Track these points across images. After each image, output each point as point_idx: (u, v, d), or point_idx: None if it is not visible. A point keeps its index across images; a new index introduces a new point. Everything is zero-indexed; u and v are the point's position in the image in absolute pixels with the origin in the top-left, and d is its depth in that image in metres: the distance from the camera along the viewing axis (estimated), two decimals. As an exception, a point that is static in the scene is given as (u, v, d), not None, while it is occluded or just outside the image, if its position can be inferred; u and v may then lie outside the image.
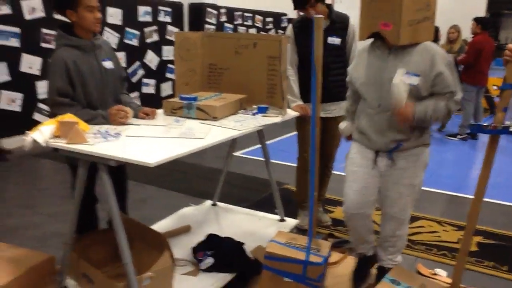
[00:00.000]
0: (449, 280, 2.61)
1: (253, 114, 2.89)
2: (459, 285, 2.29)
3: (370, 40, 2.39)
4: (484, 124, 2.03)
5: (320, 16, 2.23)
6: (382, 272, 2.53)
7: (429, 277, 2.75)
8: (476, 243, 3.32)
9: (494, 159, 2.07)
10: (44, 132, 2.16)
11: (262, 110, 2.93)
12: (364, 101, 2.43)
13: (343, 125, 2.61)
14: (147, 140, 2.22)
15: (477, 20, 6.70)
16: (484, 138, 7.02)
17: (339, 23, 3.12)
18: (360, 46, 2.51)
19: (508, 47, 1.93)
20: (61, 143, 2.12)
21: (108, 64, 2.59)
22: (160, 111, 2.83)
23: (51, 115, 2.43)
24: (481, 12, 10.83)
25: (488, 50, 6.48)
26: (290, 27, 3.24)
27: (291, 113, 3.04)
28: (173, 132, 2.37)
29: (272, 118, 2.81)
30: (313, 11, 2.97)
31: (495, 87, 8.92)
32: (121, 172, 2.79)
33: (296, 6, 3.05)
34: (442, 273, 2.86)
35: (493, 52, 6.76)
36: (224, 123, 2.61)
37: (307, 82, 3.16)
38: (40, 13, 5.53)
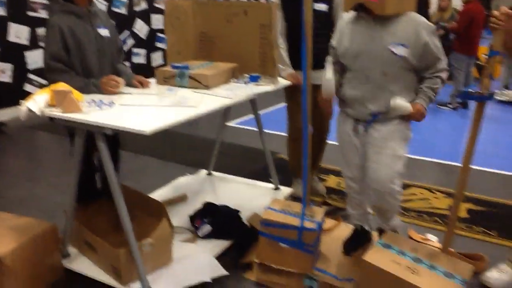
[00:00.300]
0: (440, 245, 2.69)
1: (245, 83, 2.89)
2: (449, 249, 2.36)
3: (352, 13, 2.37)
4: (471, 90, 2.05)
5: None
6: (381, 233, 2.61)
7: (421, 242, 2.82)
8: (466, 210, 3.40)
9: (481, 126, 2.11)
10: (38, 101, 2.15)
11: (254, 79, 2.92)
12: (350, 72, 2.41)
13: (328, 75, 2.41)
14: (141, 109, 2.22)
15: (468, -12, 6.65)
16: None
17: None
18: (343, 18, 2.48)
19: (494, 14, 1.94)
20: (56, 112, 2.11)
21: (104, 32, 2.57)
22: (152, 80, 2.82)
23: (47, 81, 2.42)
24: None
25: (479, 18, 6.45)
26: None
27: (283, 82, 3.03)
28: (166, 101, 2.37)
29: (264, 87, 2.82)
30: None
31: (485, 56, 8.95)
32: (115, 141, 2.80)
33: None
34: (433, 238, 2.93)
35: (484, 21, 6.73)
36: (217, 92, 2.61)
37: (297, 50, 3.15)
38: (26, -19, 5.40)
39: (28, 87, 5.57)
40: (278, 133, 4.88)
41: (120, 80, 2.49)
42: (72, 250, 2.52)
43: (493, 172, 4.21)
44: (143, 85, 2.66)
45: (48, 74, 2.41)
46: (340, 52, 2.43)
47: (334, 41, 2.51)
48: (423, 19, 2.27)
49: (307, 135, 2.40)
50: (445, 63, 2.31)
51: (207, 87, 2.65)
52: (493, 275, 2.53)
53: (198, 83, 2.66)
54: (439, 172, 4.23)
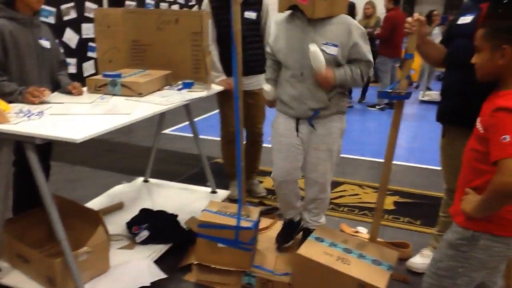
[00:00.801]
0: (369, 236, 2.86)
1: (179, 90, 2.94)
2: (376, 238, 2.53)
3: (287, 12, 2.50)
4: (390, 90, 2.23)
5: (242, -8, 2.31)
6: (307, 233, 2.71)
7: (352, 234, 2.99)
8: (393, 202, 3.63)
9: (400, 122, 2.29)
10: (-39, 114, 2.09)
11: (187, 86, 2.98)
12: (286, 70, 2.53)
13: (266, 87, 2.61)
14: (72, 118, 2.22)
15: (389, -4, 7.07)
16: (400, 107, 7.51)
17: None
18: (278, 17, 2.60)
19: (407, 20, 2.13)
20: (-19, 124, 2.06)
21: (45, 43, 2.62)
22: (84, 90, 2.81)
23: None
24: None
25: (401, 24, 6.80)
26: (206, 2, 3.27)
27: (216, 88, 3.11)
28: (99, 109, 2.37)
29: (198, 93, 2.88)
30: None
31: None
32: (46, 151, 2.76)
33: None
34: (363, 231, 3.11)
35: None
36: (150, 99, 2.64)
37: (227, 57, 3.26)
38: None
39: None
40: (214, 138, 4.94)
41: (46, 92, 2.47)
42: (3, 264, 2.44)
43: (417, 167, 4.51)
44: (76, 89, 2.67)
45: None
46: (276, 50, 2.54)
47: (270, 40, 2.62)
48: (355, 21, 2.44)
49: (239, 138, 2.49)
50: (371, 62, 2.46)
51: (140, 94, 2.67)
52: (416, 260, 2.74)
53: (131, 90, 2.68)
54: (369, 169, 4.47)
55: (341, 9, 2.46)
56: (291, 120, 2.56)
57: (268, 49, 2.67)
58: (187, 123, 3.40)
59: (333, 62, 2.39)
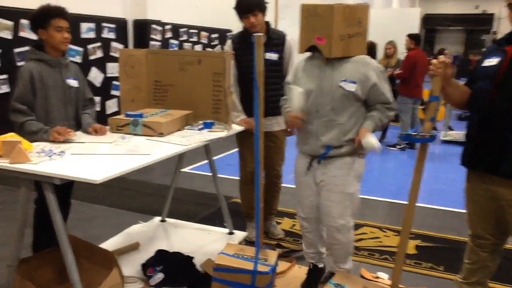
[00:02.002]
0: (390, 282, 2.76)
1: (199, 130, 2.95)
2: (398, 286, 2.43)
3: (308, 54, 2.55)
4: (413, 133, 2.20)
5: (260, 34, 2.34)
6: (331, 277, 2.64)
7: (372, 280, 2.89)
8: (414, 246, 3.52)
9: (424, 165, 2.24)
10: (-16, 152, 2.12)
11: (207, 126, 2.99)
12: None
13: (296, 90, 2.49)
14: (92, 158, 2.23)
15: (411, 36, 7.14)
16: (421, 147, 7.42)
17: (276, 39, 3.25)
18: (300, 58, 2.64)
19: (432, 62, 2.12)
20: (3, 163, 2.09)
21: (72, 82, 2.74)
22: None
23: (11, 119, 2.56)
24: (416, 28, 11.43)
25: (422, 63, 6.88)
26: (229, 43, 3.33)
27: (236, 128, 3.12)
28: (119, 149, 2.39)
29: (218, 133, 2.88)
30: (255, 20, 3.09)
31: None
32: (67, 190, 2.78)
33: (240, 13, 3.15)
34: (383, 276, 3.01)
35: (426, 66, 7.18)
36: (170, 139, 2.65)
37: (247, 97, 3.28)
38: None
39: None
40: (232, 177, 4.93)
41: (72, 132, 2.56)
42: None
43: (438, 209, 4.40)
44: (97, 132, 2.71)
45: (12, 115, 2.55)
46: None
47: (289, 78, 2.66)
48: (373, 61, 2.46)
49: (258, 179, 2.47)
50: (394, 103, 2.48)
51: (161, 134, 2.69)
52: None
53: (152, 130, 2.70)
54: (389, 211, 4.37)
55: (359, 50, 2.48)
56: (306, 159, 2.57)
57: (287, 83, 2.70)
58: (205, 161, 3.39)
59: (353, 98, 2.41)
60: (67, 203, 2.84)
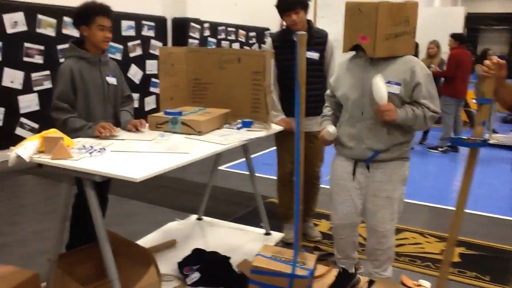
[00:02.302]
0: (433, 291, 2.65)
1: (238, 129, 2.92)
2: (442, 296, 2.33)
3: (351, 53, 2.46)
4: (464, 137, 2.09)
5: (303, 32, 2.28)
6: (371, 285, 2.55)
7: (413, 288, 2.78)
8: (458, 254, 3.37)
9: (474, 171, 2.12)
10: (28, 148, 2.15)
11: (246, 125, 2.95)
12: (345, 111, 2.48)
13: (331, 128, 2.49)
14: (132, 155, 2.23)
15: (454, 36, 6.88)
16: (464, 150, 7.14)
17: (317, 38, 3.17)
18: (342, 58, 2.56)
19: (486, 63, 2.00)
20: (45, 159, 2.11)
21: (111, 80, 2.76)
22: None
23: (52, 117, 2.59)
24: (459, 28, 11.06)
25: (466, 63, 6.64)
26: (269, 41, 3.28)
27: (275, 127, 3.06)
28: (159, 147, 2.38)
29: (257, 132, 2.84)
30: (296, 17, 3.03)
31: (474, 101, 9.13)
32: (105, 185, 2.80)
33: (282, 11, 3.09)
34: (426, 284, 2.89)
35: (471, 65, 6.93)
36: (209, 138, 2.63)
37: (287, 96, 3.21)
38: (22, 27, 5.49)
39: (19, 131, 5.57)
40: (269, 176, 4.89)
41: (116, 128, 2.59)
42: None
43: (484, 215, 4.22)
44: (137, 127, 2.72)
45: (54, 113, 2.57)
46: (336, 89, 2.50)
47: (332, 79, 2.58)
48: (420, 62, 2.36)
49: (299, 181, 2.41)
50: (437, 106, 2.34)
51: (199, 133, 2.67)
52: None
53: (191, 129, 2.68)
54: (431, 215, 4.22)
55: (405, 49, 2.37)
56: (349, 162, 2.47)
57: (328, 91, 2.64)
58: (242, 160, 3.35)
59: (397, 101, 2.30)
60: (105, 198, 2.86)
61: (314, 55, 3.12)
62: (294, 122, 3.16)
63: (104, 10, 2.65)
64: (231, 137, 2.68)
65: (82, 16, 2.63)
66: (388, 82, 2.27)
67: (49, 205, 4.15)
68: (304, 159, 2.48)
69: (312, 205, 3.50)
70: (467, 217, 4.15)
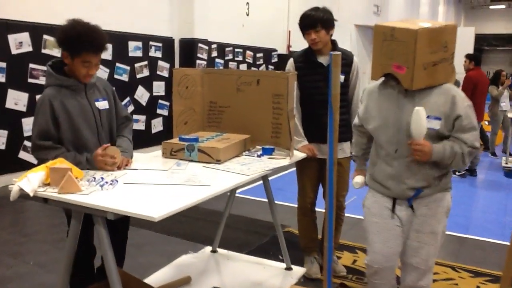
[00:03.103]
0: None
1: (258, 156, 2.70)
2: None
3: (380, 80, 2.25)
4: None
5: (338, 52, 2.06)
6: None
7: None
8: (495, 291, 3.11)
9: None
10: (32, 180, 1.92)
11: (267, 152, 2.74)
12: (378, 146, 2.26)
13: (358, 178, 2.38)
14: (147, 188, 2.00)
15: (469, 56, 6.71)
16: (481, 175, 6.92)
17: (343, 60, 2.96)
18: (369, 85, 2.35)
19: None
20: (51, 193, 1.89)
21: (101, 105, 2.40)
22: (154, 154, 2.64)
23: (36, 159, 2.24)
24: (471, 48, 10.95)
25: (483, 84, 6.45)
26: (291, 62, 3.07)
27: (298, 155, 2.84)
28: (176, 178, 2.15)
29: (280, 161, 2.62)
30: (316, 36, 2.84)
31: (486, 123, 8.93)
32: (122, 221, 2.55)
33: (302, 28, 2.90)
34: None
35: (487, 87, 6.74)
36: (229, 167, 2.41)
37: (310, 121, 3.01)
38: (27, 48, 5.34)
39: (23, 154, 5.36)
40: (283, 203, 4.64)
41: (118, 155, 2.27)
42: None
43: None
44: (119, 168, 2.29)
45: (36, 153, 2.22)
46: (366, 122, 2.29)
47: (360, 110, 2.37)
48: (461, 92, 2.13)
49: (332, 213, 2.17)
50: (476, 139, 2.10)
51: (218, 161, 2.45)
52: None
53: (209, 157, 2.46)
54: (459, 247, 3.96)
55: (444, 78, 2.15)
56: (387, 199, 2.24)
57: (356, 121, 2.43)
58: (254, 185, 3.10)
59: (436, 137, 2.08)
60: (122, 236, 2.65)
61: (340, 78, 2.91)
62: (317, 148, 2.98)
63: (96, 47, 2.22)
64: (253, 166, 2.46)
65: (67, 43, 2.22)
66: (428, 117, 2.04)
67: (54, 234, 3.90)
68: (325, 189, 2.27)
69: (336, 237, 3.25)
70: (497, 248, 3.92)
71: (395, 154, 2.16)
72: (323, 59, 2.93)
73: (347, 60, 2.96)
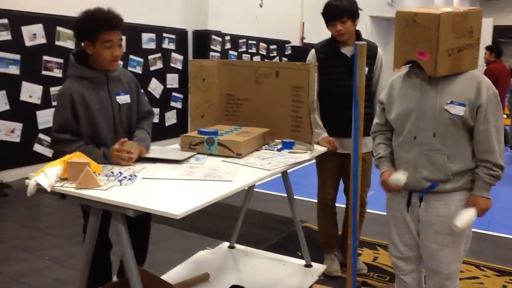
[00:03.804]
0: None
1: (278, 150, 2.63)
2: None
3: (404, 69, 2.16)
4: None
5: (363, 42, 1.98)
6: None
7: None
8: (521, 290, 3.01)
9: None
10: (49, 175, 1.87)
11: (287, 146, 2.66)
12: (396, 134, 2.18)
13: (401, 175, 2.10)
14: (167, 183, 1.94)
15: (490, 48, 6.56)
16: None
17: (367, 51, 2.85)
18: (393, 76, 2.25)
19: None
20: (69, 188, 1.83)
21: (123, 99, 2.33)
22: (172, 147, 2.57)
23: (54, 153, 2.19)
24: (489, 40, 10.72)
25: (505, 77, 6.30)
26: (313, 52, 2.96)
27: (319, 149, 2.76)
28: (196, 173, 2.08)
29: (301, 155, 2.54)
30: (342, 27, 2.74)
31: (504, 116, 8.76)
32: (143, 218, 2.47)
33: (327, 19, 2.80)
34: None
35: (509, 80, 6.58)
36: (250, 161, 2.33)
37: (330, 113, 2.92)
38: (41, 40, 5.29)
39: (37, 147, 5.34)
40: (300, 197, 4.55)
41: (135, 150, 2.20)
42: None
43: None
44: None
45: (54, 146, 2.18)
46: (389, 112, 2.19)
47: (382, 97, 2.27)
48: (488, 80, 2.03)
49: (356, 209, 2.09)
50: (500, 156, 2.00)
51: (239, 155, 2.37)
52: None
53: (229, 150, 2.39)
54: (482, 244, 3.84)
55: (469, 64, 2.05)
56: (404, 193, 2.15)
57: (377, 120, 2.30)
58: (270, 179, 2.99)
59: (461, 124, 1.99)
60: (144, 233, 2.62)
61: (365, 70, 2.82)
62: (338, 142, 2.89)
63: (111, 23, 2.16)
64: (274, 160, 2.38)
65: (84, 30, 2.17)
66: (451, 103, 1.97)
67: (68, 228, 3.87)
68: (348, 183, 2.18)
69: (357, 233, 3.16)
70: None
71: (413, 140, 2.06)
72: (346, 50, 2.83)
73: (372, 51, 2.85)
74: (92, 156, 2.08)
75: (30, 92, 5.24)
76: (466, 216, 1.98)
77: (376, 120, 2.31)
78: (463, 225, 1.96)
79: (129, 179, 1.93)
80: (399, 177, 2.08)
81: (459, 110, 1.98)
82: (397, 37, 2.09)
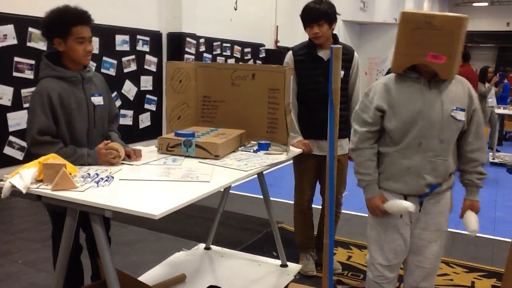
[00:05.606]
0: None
1: (254, 151, 2.66)
2: None
3: (393, 74, 2.14)
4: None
5: (339, 46, 2.02)
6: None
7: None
8: (490, 287, 3.11)
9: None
10: (24, 177, 1.84)
11: (263, 147, 2.69)
12: (391, 141, 2.13)
13: (407, 204, 2.04)
14: (144, 184, 1.95)
15: (459, 53, 6.73)
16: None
17: (344, 55, 2.91)
18: (378, 82, 2.19)
19: None
20: (45, 190, 1.81)
21: (97, 100, 2.31)
22: (149, 149, 2.56)
23: (31, 155, 2.12)
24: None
25: (472, 81, 6.45)
26: (290, 54, 2.99)
27: (294, 150, 2.80)
28: (173, 174, 2.09)
29: (277, 156, 2.58)
30: (319, 30, 2.79)
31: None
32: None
33: (304, 22, 2.84)
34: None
35: (477, 83, 6.78)
36: (227, 163, 2.36)
37: (306, 116, 2.96)
38: (12, 41, 5.18)
39: (8, 150, 5.22)
40: (275, 199, 4.59)
41: (121, 149, 2.22)
42: None
43: (505, 241, 3.97)
44: (130, 158, 2.29)
45: (34, 148, 2.10)
46: (390, 117, 2.10)
47: (381, 103, 2.11)
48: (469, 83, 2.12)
49: (333, 210, 2.13)
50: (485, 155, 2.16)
51: (217, 157, 2.39)
52: None
53: (207, 152, 2.41)
54: (452, 242, 3.96)
55: (457, 69, 2.11)
56: (395, 195, 2.14)
57: (369, 116, 2.14)
58: (244, 181, 3.01)
59: (460, 128, 2.08)
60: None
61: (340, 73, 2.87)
62: (315, 145, 2.94)
63: (82, 18, 2.15)
64: (250, 161, 2.41)
65: (53, 28, 2.14)
66: (456, 109, 2.03)
67: (42, 232, 3.80)
68: (324, 185, 2.22)
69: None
70: (489, 243, 3.93)
71: (418, 147, 2.06)
72: (323, 54, 2.88)
73: (347, 55, 2.90)
74: (75, 157, 2.09)
75: (1, 94, 5.12)
76: (474, 219, 2.13)
77: (364, 128, 2.17)
78: (477, 227, 2.12)
79: (106, 180, 1.93)
80: (408, 205, 2.04)
81: (461, 116, 2.04)
82: (401, 40, 2.00)
